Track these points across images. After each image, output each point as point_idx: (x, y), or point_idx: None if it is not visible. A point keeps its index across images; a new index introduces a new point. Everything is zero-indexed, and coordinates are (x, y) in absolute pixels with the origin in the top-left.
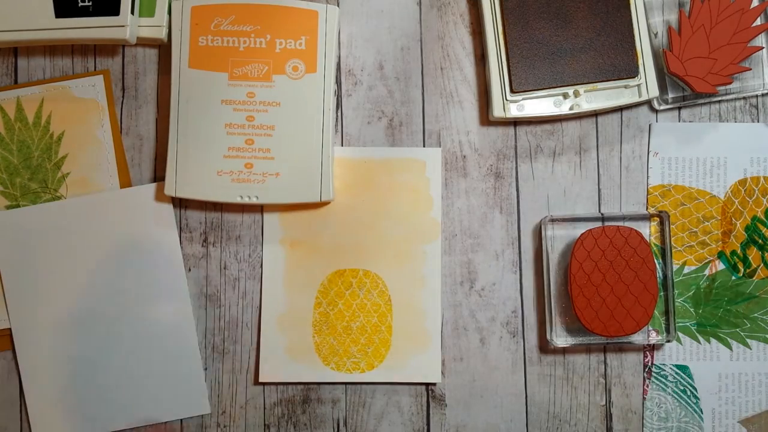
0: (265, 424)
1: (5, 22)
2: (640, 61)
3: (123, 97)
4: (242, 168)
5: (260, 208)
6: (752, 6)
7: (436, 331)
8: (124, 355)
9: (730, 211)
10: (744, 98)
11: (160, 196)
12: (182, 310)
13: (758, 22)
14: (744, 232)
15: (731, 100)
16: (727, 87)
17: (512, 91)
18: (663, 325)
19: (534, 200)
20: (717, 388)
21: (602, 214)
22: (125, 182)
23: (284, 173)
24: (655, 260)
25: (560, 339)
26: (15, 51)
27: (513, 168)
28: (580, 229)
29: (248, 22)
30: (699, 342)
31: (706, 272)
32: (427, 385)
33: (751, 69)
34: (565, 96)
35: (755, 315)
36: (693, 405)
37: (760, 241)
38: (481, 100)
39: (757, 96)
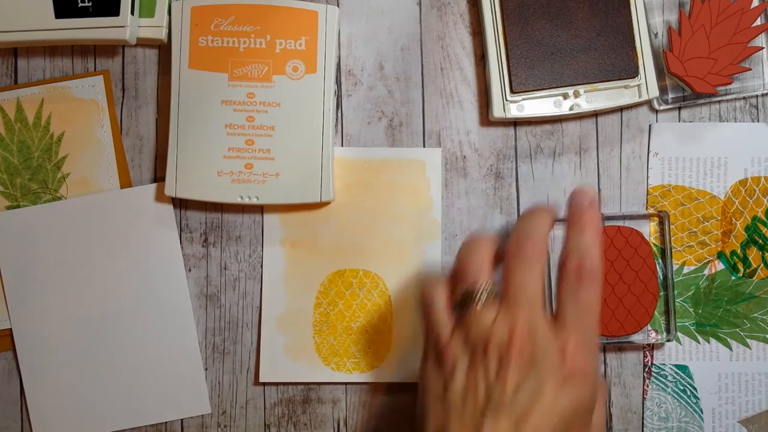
0: (265, 424)
1: (5, 23)
2: (640, 62)
3: (123, 97)
4: (242, 168)
5: (260, 209)
6: (752, 6)
7: None
8: (125, 355)
9: (731, 212)
10: (744, 98)
11: (160, 196)
12: (182, 310)
13: (758, 22)
14: (744, 232)
15: (731, 100)
16: (727, 87)
17: (512, 91)
18: (663, 326)
19: (534, 200)
20: (717, 388)
21: (602, 214)
22: (125, 183)
23: (284, 174)
24: (655, 260)
25: None
26: (15, 51)
27: (513, 168)
28: None
29: (248, 22)
30: (698, 342)
31: (706, 272)
32: None
33: (751, 69)
34: (565, 96)
35: (755, 315)
36: (693, 405)
37: (760, 241)
38: (481, 101)
39: (757, 96)
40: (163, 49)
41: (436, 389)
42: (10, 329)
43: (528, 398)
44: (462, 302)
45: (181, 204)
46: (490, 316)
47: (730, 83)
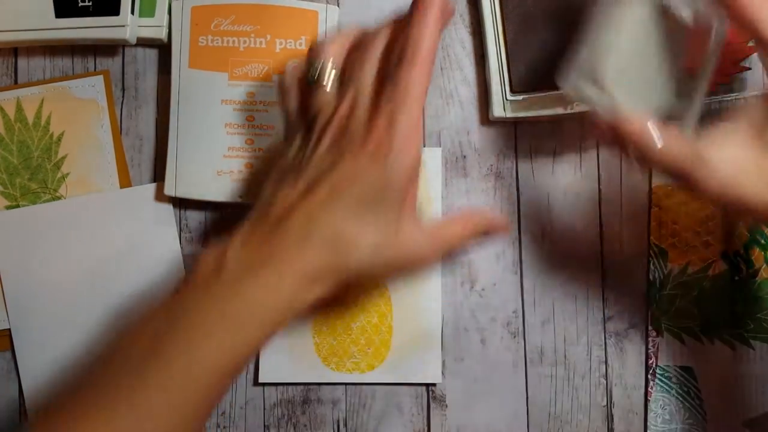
0: (264, 425)
1: (5, 23)
2: None
3: (123, 97)
4: (242, 168)
5: None
6: None
7: (437, 331)
8: None
9: None
10: (744, 98)
11: (159, 196)
12: None
13: None
14: (746, 233)
15: (730, 99)
16: (727, 86)
17: (512, 91)
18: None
19: (534, 200)
20: (721, 390)
21: None
22: (125, 182)
23: None
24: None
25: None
26: (15, 51)
27: (513, 168)
28: None
29: (248, 22)
30: (703, 343)
31: (709, 273)
32: (427, 385)
33: (750, 68)
34: (565, 96)
35: (758, 315)
36: (696, 407)
37: (762, 241)
38: (481, 100)
39: (756, 96)
40: (163, 49)
41: (278, 159)
42: (9, 329)
43: (326, 166)
44: (311, 78)
45: (180, 203)
46: (329, 95)
47: (730, 82)
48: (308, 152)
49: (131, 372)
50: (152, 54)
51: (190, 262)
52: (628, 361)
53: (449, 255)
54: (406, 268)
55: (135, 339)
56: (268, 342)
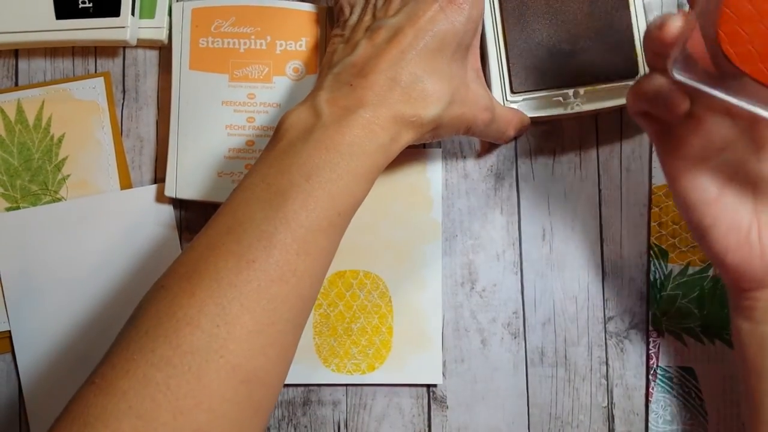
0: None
1: (6, 24)
2: (640, 62)
3: (123, 99)
4: (243, 169)
5: None
6: None
7: (437, 332)
8: None
9: None
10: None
11: (160, 197)
12: None
13: None
14: None
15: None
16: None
17: (512, 91)
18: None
19: (534, 201)
20: (722, 390)
21: None
22: (126, 184)
23: None
24: (653, 261)
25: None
26: (16, 53)
27: (513, 169)
28: None
29: (248, 23)
30: (704, 343)
31: (710, 273)
32: (428, 386)
33: None
34: (565, 96)
35: None
36: (698, 407)
37: None
38: None
39: None
40: (164, 51)
41: (333, 37)
42: (9, 331)
43: (405, 18)
44: None
45: (181, 205)
46: None
47: None
48: (379, 9)
49: (252, 236)
50: (153, 56)
51: None
52: (629, 361)
53: (499, 131)
54: (464, 126)
55: (249, 200)
56: (365, 194)
